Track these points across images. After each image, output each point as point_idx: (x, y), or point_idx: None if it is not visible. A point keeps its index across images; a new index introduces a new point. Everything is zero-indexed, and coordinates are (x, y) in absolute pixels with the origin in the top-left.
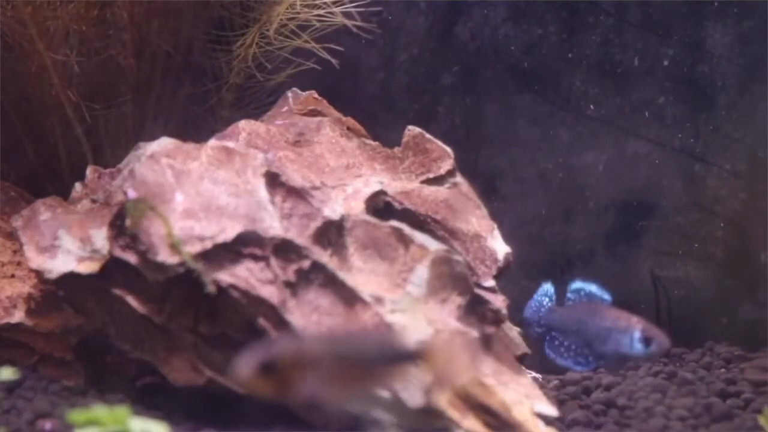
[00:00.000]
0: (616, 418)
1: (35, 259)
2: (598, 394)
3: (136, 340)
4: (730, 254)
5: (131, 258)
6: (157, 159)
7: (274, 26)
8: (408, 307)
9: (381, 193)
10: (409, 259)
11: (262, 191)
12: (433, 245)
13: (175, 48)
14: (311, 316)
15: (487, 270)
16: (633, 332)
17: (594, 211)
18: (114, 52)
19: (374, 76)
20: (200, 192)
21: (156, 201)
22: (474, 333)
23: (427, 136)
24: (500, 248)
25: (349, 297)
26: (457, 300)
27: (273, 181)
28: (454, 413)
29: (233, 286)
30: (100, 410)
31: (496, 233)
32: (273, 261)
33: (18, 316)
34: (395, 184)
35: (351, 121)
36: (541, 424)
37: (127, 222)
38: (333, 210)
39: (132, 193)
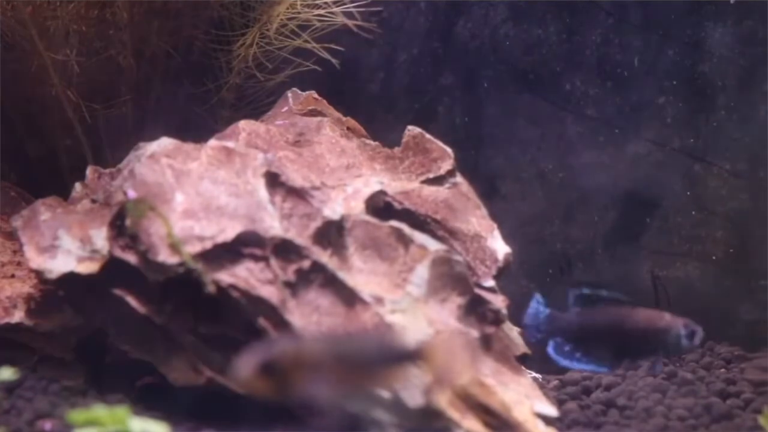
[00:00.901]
0: (616, 418)
1: (35, 259)
2: (598, 394)
3: (136, 340)
4: (730, 254)
5: (131, 258)
6: (157, 159)
7: (274, 26)
8: (408, 307)
9: (381, 193)
10: (409, 259)
11: (262, 191)
12: (433, 245)
13: (175, 48)
14: (311, 316)
15: (487, 270)
16: (678, 329)
17: (594, 211)
18: (114, 52)
19: (374, 76)
20: (200, 192)
21: (156, 201)
22: (474, 333)
23: (427, 136)
24: (500, 248)
25: (349, 297)
26: (457, 300)
27: (273, 181)
28: (454, 413)
29: (233, 286)
30: (100, 410)
31: (496, 233)
32: (273, 261)
33: (18, 316)
34: (395, 184)
35: (351, 122)
36: (541, 424)
37: (127, 222)
38: (333, 210)
39: (132, 193)
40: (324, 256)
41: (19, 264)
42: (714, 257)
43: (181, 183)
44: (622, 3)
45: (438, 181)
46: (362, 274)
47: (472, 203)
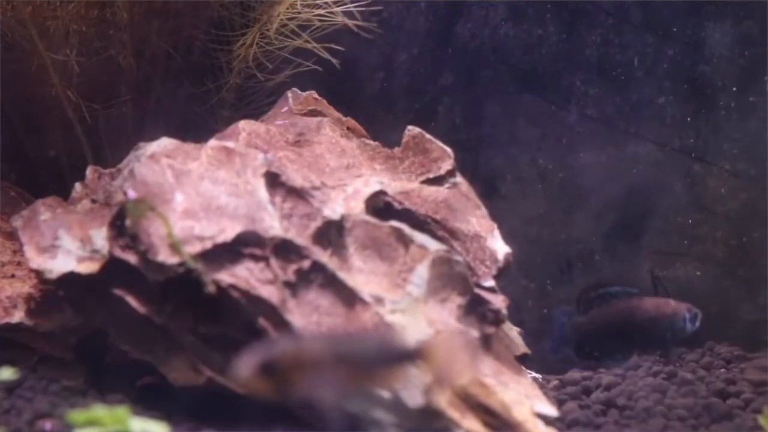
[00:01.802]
0: (616, 418)
1: (35, 259)
2: (598, 394)
3: (136, 340)
4: (730, 254)
5: (131, 258)
6: (157, 159)
7: (274, 26)
8: (408, 307)
9: (381, 193)
10: (409, 260)
11: (262, 191)
12: (433, 245)
13: (175, 48)
14: (311, 316)
15: (487, 270)
16: (683, 313)
17: (594, 211)
18: (114, 52)
19: (374, 76)
20: (200, 192)
21: (156, 201)
22: (474, 333)
23: (427, 136)
24: (500, 248)
25: (349, 297)
26: (457, 300)
27: (273, 181)
28: (454, 413)
29: (233, 286)
30: (100, 410)
31: (496, 233)
32: (273, 261)
33: (18, 316)
34: (395, 184)
35: (351, 122)
36: (541, 424)
37: (127, 222)
38: (333, 210)
39: (132, 193)
40: (324, 256)
41: (19, 264)
42: (714, 257)
43: (181, 183)
44: (622, 3)
45: (438, 181)
46: (362, 274)
47: (472, 203)
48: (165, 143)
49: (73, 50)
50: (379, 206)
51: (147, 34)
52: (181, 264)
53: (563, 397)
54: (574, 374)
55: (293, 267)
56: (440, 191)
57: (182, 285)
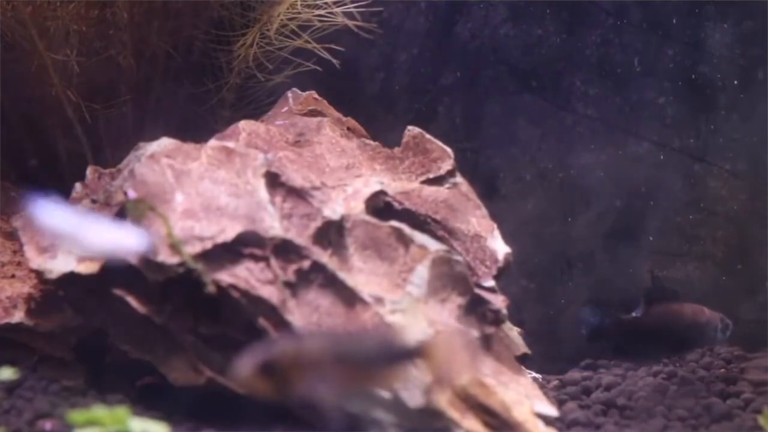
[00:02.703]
0: (616, 418)
1: (35, 259)
2: (598, 394)
3: (136, 340)
4: (730, 254)
5: (131, 258)
6: (157, 159)
7: (275, 26)
8: (408, 307)
9: (381, 193)
10: (409, 260)
11: (262, 191)
12: (433, 245)
13: (175, 48)
14: (311, 316)
15: (487, 270)
16: (717, 323)
17: (594, 211)
18: (114, 52)
19: (374, 76)
20: (200, 192)
21: (156, 201)
22: (474, 333)
23: (427, 136)
24: (500, 248)
25: (349, 297)
26: (457, 300)
27: (273, 181)
28: (454, 413)
29: (233, 286)
30: (100, 410)
31: (496, 233)
32: (273, 261)
33: (18, 316)
34: (395, 185)
35: (351, 122)
36: (541, 424)
37: (128, 222)
38: (333, 210)
39: (132, 193)
40: (324, 256)
41: (19, 264)
42: (714, 257)
43: (181, 183)
44: (622, 3)
45: (438, 181)
46: (362, 274)
47: (472, 203)
48: (165, 143)
49: (73, 50)
50: (379, 206)
51: (147, 34)
52: (181, 264)
53: (563, 397)
54: (574, 374)
55: (293, 267)
56: (440, 191)
57: (182, 285)
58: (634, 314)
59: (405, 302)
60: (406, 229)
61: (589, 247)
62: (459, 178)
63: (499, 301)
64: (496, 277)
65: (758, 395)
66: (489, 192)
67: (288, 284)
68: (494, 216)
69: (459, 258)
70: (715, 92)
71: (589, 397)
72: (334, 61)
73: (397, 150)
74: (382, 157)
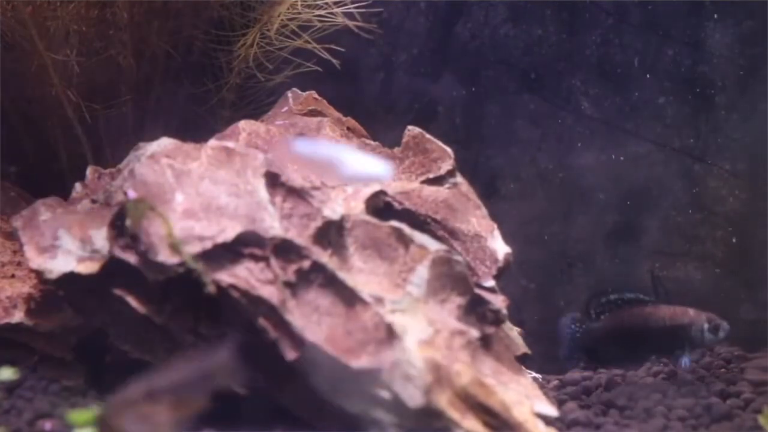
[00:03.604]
0: (616, 418)
1: (35, 259)
2: (598, 394)
3: (136, 340)
4: (730, 254)
5: (131, 258)
6: (157, 159)
7: (275, 27)
8: (408, 307)
9: (381, 193)
10: (409, 259)
11: (262, 191)
12: (433, 245)
13: (175, 48)
14: (311, 316)
15: (487, 270)
16: (702, 323)
17: (594, 211)
18: (114, 52)
19: (374, 76)
20: (200, 192)
21: (156, 201)
22: (474, 333)
23: (427, 136)
24: (500, 248)
25: (349, 297)
26: (457, 300)
27: (273, 181)
28: (454, 413)
29: (233, 286)
30: (100, 410)
31: (496, 233)
32: (273, 261)
33: (18, 316)
34: (395, 184)
35: (351, 122)
36: (541, 424)
37: (127, 222)
38: (333, 210)
39: (132, 193)
40: (324, 256)
41: (19, 264)
42: (714, 257)
43: (181, 183)
44: (622, 3)
45: (438, 181)
46: (362, 274)
47: (472, 203)
48: (165, 143)
49: (73, 50)
50: (379, 206)
51: (147, 34)
52: (181, 264)
53: (563, 397)
54: (574, 374)
55: (293, 267)
56: (440, 191)
57: (182, 285)
58: (600, 320)
59: (405, 302)
60: (406, 229)
61: (589, 247)
62: (459, 178)
63: (499, 301)
64: (496, 277)
65: (758, 395)
66: (489, 192)
67: (288, 284)
68: (494, 216)
69: (459, 258)
70: (715, 92)
71: (589, 397)
72: (335, 61)
73: (397, 150)
74: (382, 157)
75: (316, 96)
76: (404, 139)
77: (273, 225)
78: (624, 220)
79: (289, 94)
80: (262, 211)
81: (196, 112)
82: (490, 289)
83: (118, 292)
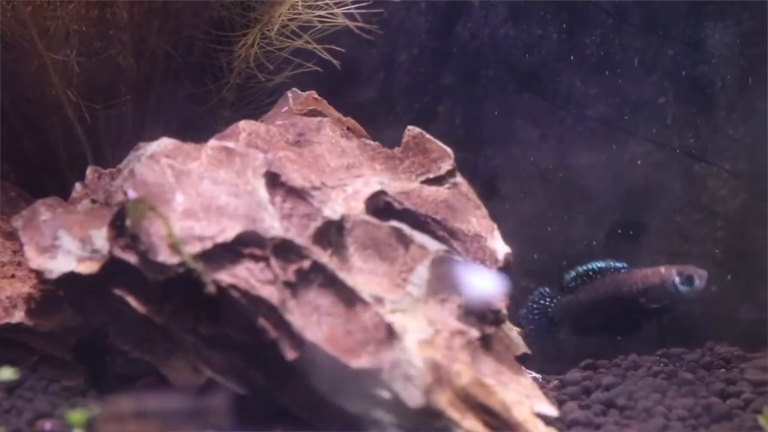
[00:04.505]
0: (616, 418)
1: (35, 259)
2: (598, 394)
3: (136, 340)
4: (730, 254)
5: (131, 258)
6: (157, 159)
7: (276, 27)
8: (408, 307)
9: (381, 193)
10: (409, 260)
11: (262, 191)
12: (433, 245)
13: (175, 48)
14: (311, 316)
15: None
16: (672, 278)
17: (594, 212)
18: (114, 52)
19: (374, 76)
20: (200, 192)
21: (156, 201)
22: (474, 333)
23: (427, 136)
24: (500, 248)
25: (349, 297)
26: (457, 300)
27: (273, 181)
28: (454, 413)
29: (233, 287)
30: (100, 410)
31: (496, 233)
32: (273, 261)
33: (18, 316)
34: (395, 185)
35: (351, 122)
36: (541, 424)
37: (128, 222)
38: (333, 210)
39: (132, 193)
40: (324, 256)
41: (19, 264)
42: (714, 257)
43: (181, 183)
44: (622, 3)
45: (438, 181)
46: (362, 274)
47: (472, 203)
48: (165, 143)
49: (73, 50)
50: (379, 206)
51: (147, 34)
52: (182, 264)
53: (563, 397)
54: (574, 374)
55: (293, 267)
56: (440, 191)
57: (182, 285)
58: (574, 293)
59: (405, 302)
60: (406, 229)
61: (589, 247)
62: (459, 178)
63: (499, 301)
64: None
65: (758, 395)
66: (489, 192)
67: (288, 284)
68: (494, 216)
69: (459, 258)
70: (715, 92)
71: (589, 397)
72: (335, 61)
73: (397, 150)
74: (382, 157)
75: (316, 96)
76: (404, 139)
77: (273, 225)
78: (624, 220)
79: (289, 94)
80: (262, 211)
81: (196, 112)
82: None
83: (118, 292)
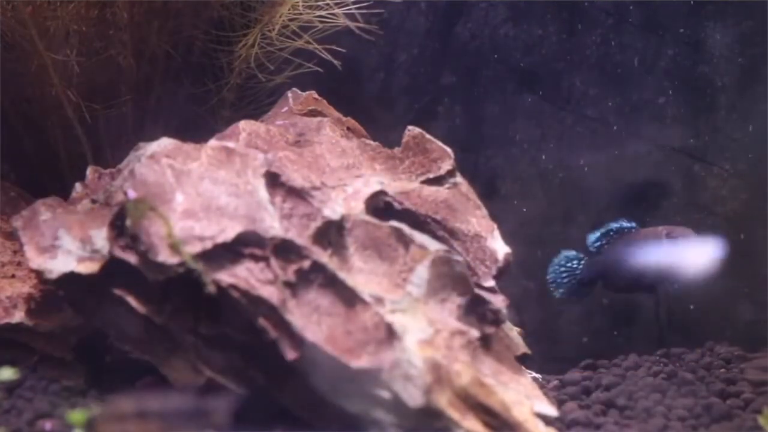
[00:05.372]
0: (616, 418)
1: (35, 259)
2: (598, 394)
3: (136, 340)
4: (730, 254)
5: (131, 258)
6: (157, 159)
7: (277, 27)
8: (408, 307)
9: (381, 193)
10: (409, 260)
11: (262, 191)
12: (433, 245)
13: (175, 48)
14: (311, 316)
15: (487, 270)
16: (662, 239)
17: (594, 211)
18: (114, 52)
19: (374, 76)
20: (200, 192)
21: (156, 201)
22: (474, 333)
23: (427, 136)
24: (500, 248)
25: (349, 297)
26: (457, 300)
27: (273, 181)
28: (454, 413)
29: (233, 287)
30: (100, 410)
31: (496, 233)
32: (273, 261)
33: (18, 316)
34: (395, 185)
35: (351, 122)
36: (541, 424)
37: (128, 222)
38: (333, 210)
39: (132, 193)
40: (324, 256)
41: (19, 264)
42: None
43: (181, 183)
44: (622, 3)
45: (438, 181)
46: (362, 274)
47: (472, 203)
48: (165, 143)
49: (73, 50)
50: (379, 206)
51: (147, 34)
52: (182, 264)
53: (563, 397)
54: (574, 374)
55: (293, 267)
56: (440, 191)
57: (182, 285)
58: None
59: (405, 302)
60: (406, 229)
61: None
62: (459, 178)
63: (499, 301)
64: (496, 277)
65: (758, 395)
66: (489, 192)
67: (288, 284)
68: (494, 216)
69: (459, 258)
70: (715, 92)
71: (589, 397)
72: (335, 61)
73: (397, 150)
74: (382, 157)
75: (316, 96)
76: (404, 139)
77: (273, 225)
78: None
79: (289, 94)
80: (262, 211)
81: (196, 112)
82: (490, 289)
83: (118, 292)
